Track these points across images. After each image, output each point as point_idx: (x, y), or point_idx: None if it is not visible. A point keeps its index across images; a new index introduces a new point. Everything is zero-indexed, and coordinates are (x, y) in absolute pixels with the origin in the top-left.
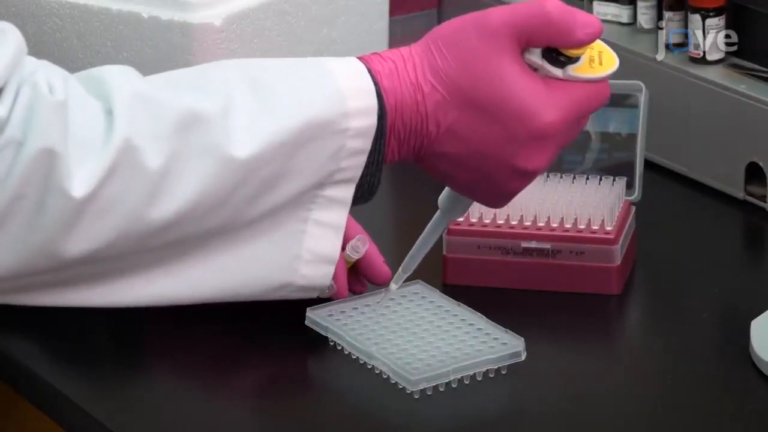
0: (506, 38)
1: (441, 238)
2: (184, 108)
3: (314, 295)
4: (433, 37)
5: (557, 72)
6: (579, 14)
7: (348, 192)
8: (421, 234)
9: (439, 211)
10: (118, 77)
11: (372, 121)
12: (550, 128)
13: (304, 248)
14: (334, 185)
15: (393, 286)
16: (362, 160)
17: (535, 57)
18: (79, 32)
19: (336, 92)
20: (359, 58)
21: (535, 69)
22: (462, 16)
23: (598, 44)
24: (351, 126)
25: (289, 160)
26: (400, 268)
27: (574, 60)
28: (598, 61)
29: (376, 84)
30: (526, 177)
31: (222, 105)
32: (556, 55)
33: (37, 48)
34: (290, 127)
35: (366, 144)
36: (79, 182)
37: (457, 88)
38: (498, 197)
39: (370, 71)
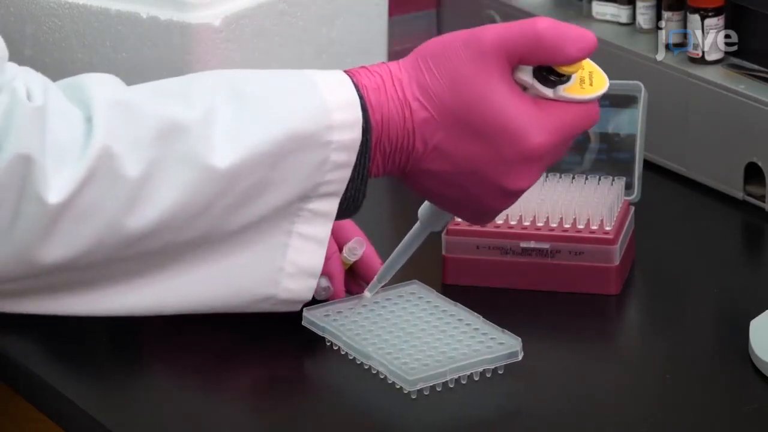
0: (496, 58)
1: (442, 243)
2: (164, 116)
3: (297, 308)
4: (422, 53)
5: (548, 92)
6: (572, 30)
7: (332, 205)
8: (399, 244)
9: (418, 222)
10: (99, 85)
11: (356, 134)
12: (539, 150)
13: (287, 261)
14: (319, 198)
15: (367, 294)
16: (347, 173)
17: (526, 76)
18: (78, 32)
19: (320, 104)
20: (346, 72)
21: (525, 88)
22: (452, 33)
23: (589, 64)
24: (335, 139)
25: (272, 171)
26: (375, 278)
27: (565, 80)
28: (589, 82)
29: (361, 98)
30: (511, 196)
31: (203, 114)
32: (547, 74)
33: (36, 48)
34: (272, 138)
35: (350, 158)
36: (56, 189)
37: (446, 107)
38: (481, 215)
39: (356, 85)
